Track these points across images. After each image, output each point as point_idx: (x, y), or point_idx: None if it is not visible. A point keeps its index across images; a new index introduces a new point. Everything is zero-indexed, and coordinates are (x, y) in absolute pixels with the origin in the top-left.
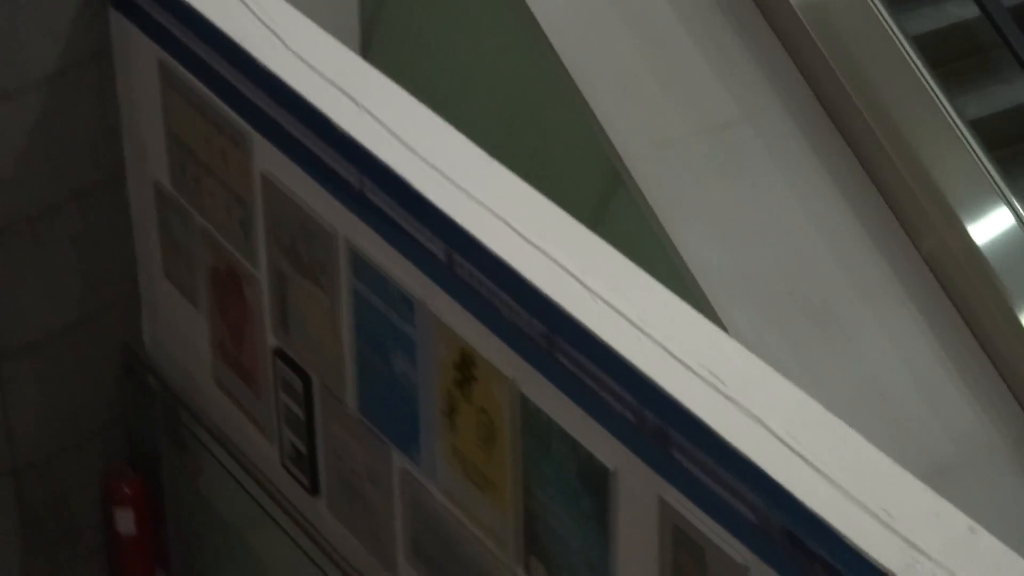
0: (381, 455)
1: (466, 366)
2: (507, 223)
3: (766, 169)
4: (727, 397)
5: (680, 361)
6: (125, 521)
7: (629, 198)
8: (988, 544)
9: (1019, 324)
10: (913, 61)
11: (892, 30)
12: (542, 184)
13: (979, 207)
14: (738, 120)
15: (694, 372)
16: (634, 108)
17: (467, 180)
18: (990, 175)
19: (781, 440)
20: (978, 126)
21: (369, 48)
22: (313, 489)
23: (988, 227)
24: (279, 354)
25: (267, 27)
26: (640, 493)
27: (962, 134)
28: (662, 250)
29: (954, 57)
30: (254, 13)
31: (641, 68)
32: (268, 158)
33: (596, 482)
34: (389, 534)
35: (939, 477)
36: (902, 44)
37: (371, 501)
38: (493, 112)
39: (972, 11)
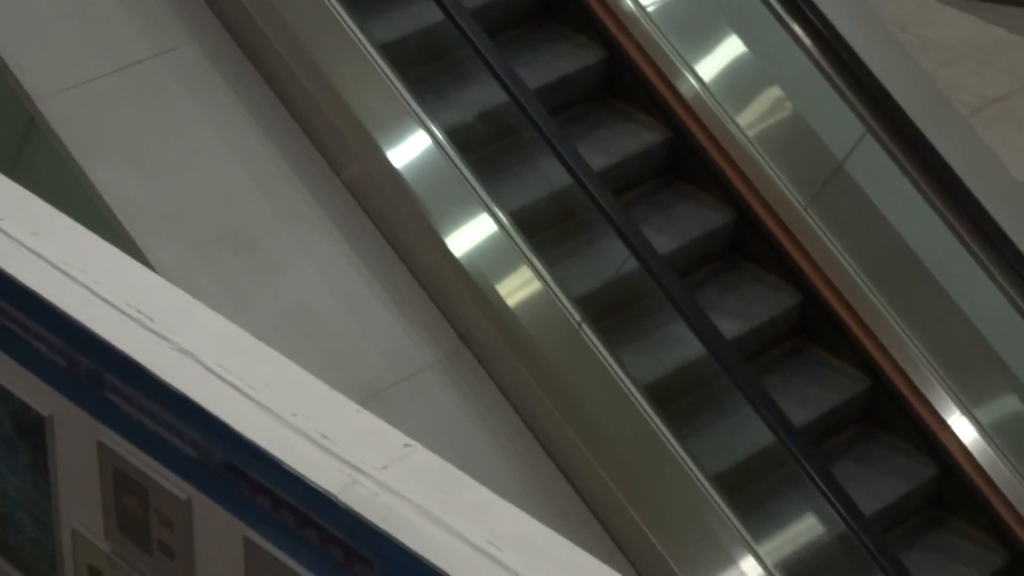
0: None
1: None
2: None
3: (183, 106)
4: (158, 335)
5: (107, 302)
6: None
7: (45, 141)
8: (423, 457)
9: (444, 245)
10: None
11: None
12: None
13: (396, 132)
14: (150, 58)
15: (123, 312)
16: (43, 50)
17: None
18: (404, 99)
19: (215, 373)
20: (388, 49)
21: None
22: None
23: (406, 151)
24: None
25: None
26: (78, 438)
27: (375, 60)
28: (82, 191)
29: None
30: None
31: (48, 10)
32: None
33: (32, 431)
34: None
35: (375, 398)
36: None
37: None
38: None
39: None
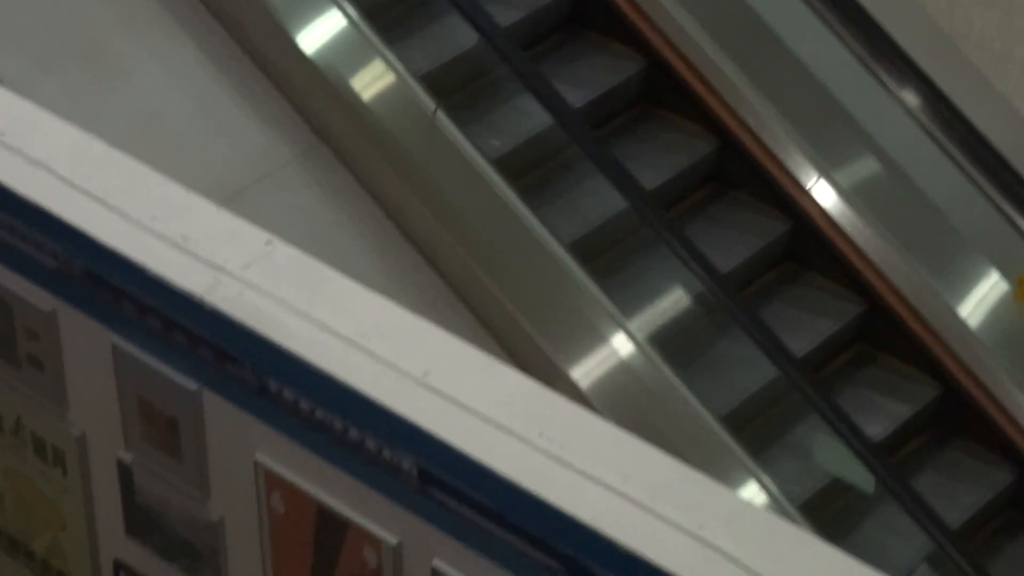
0: None
1: None
2: None
3: None
4: (9, 148)
5: None
6: None
7: None
8: (284, 253)
9: (294, 41)
10: None
11: None
12: None
13: None
14: None
15: None
16: None
17: None
18: None
19: (70, 182)
20: None
21: None
22: None
23: None
24: None
25: None
26: None
27: None
28: None
29: None
30: None
31: None
32: None
33: None
34: None
35: (234, 198)
36: None
37: None
38: None
39: None
